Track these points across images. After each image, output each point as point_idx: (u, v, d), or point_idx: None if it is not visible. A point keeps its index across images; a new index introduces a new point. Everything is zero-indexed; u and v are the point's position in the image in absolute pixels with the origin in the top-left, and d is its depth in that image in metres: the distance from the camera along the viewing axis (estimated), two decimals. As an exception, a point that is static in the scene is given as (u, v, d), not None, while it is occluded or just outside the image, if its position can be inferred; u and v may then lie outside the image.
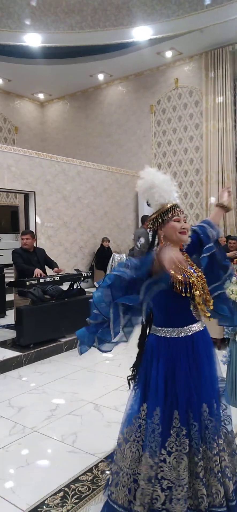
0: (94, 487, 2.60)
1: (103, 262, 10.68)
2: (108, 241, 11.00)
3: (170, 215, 2.10)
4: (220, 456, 2.04)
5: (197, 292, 2.05)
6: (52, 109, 15.40)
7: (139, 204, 12.15)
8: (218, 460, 2.02)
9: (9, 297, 6.95)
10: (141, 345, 2.24)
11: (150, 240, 2.22)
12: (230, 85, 11.05)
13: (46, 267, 6.18)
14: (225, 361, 3.84)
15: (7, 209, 13.51)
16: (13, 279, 6.11)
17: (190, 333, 2.08)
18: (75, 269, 7.61)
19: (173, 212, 2.11)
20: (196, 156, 11.88)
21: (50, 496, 2.52)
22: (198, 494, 1.97)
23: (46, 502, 2.47)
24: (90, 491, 2.56)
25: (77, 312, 5.74)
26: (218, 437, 2.06)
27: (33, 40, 10.02)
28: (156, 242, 2.19)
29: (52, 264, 6.06)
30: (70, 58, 11.44)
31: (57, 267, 6.00)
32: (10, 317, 6.73)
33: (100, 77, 13.18)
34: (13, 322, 5.97)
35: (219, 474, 2.01)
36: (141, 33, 9.98)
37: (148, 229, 2.27)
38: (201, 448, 1.99)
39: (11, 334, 5.77)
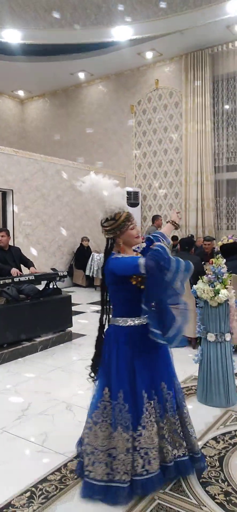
0: (62, 486, 2.58)
1: (83, 261, 10.65)
2: (88, 240, 10.98)
3: (126, 225, 2.46)
4: (183, 419, 2.55)
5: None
6: (32, 107, 15.26)
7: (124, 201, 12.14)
8: (180, 423, 2.53)
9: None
10: (100, 336, 2.59)
11: (108, 247, 2.52)
12: (209, 87, 11.19)
13: (22, 266, 6.11)
14: (196, 360, 3.88)
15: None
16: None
17: (145, 322, 2.40)
18: (51, 268, 7.56)
19: (128, 221, 2.47)
20: (175, 157, 11.98)
21: (17, 497, 2.49)
22: (164, 450, 2.46)
23: (12, 502, 2.44)
24: (57, 491, 2.54)
25: (53, 311, 5.73)
26: (179, 406, 2.55)
27: (12, 36, 9.90)
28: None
29: (28, 263, 5.99)
30: (51, 55, 11.36)
31: (33, 266, 5.94)
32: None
33: (81, 75, 13.14)
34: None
35: (181, 433, 2.53)
36: (121, 33, 9.99)
37: (107, 236, 2.53)
38: (164, 415, 2.47)
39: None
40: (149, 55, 11.68)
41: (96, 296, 8.71)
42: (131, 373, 2.40)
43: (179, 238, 10.96)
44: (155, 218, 9.39)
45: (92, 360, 2.62)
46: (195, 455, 2.55)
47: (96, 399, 2.48)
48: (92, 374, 2.60)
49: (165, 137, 12.15)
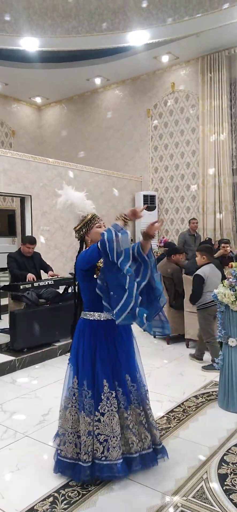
0: (84, 492, 2.59)
1: (99, 265, 10.66)
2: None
3: (92, 224, 2.79)
4: (146, 411, 2.76)
5: None
6: (50, 113, 15.42)
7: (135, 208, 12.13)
8: (144, 415, 2.75)
9: (4, 301, 6.94)
10: (72, 328, 2.89)
11: (80, 246, 2.83)
12: (226, 89, 11.08)
13: (41, 271, 6.16)
14: (217, 366, 3.83)
15: (4, 212, 13.50)
16: (7, 283, 6.09)
17: (110, 317, 2.62)
18: (70, 273, 7.59)
19: (94, 220, 2.81)
20: (192, 160, 11.90)
21: (39, 502, 2.50)
22: (129, 441, 2.66)
23: (35, 507, 2.46)
24: (80, 496, 2.55)
25: (72, 316, 5.75)
26: (143, 398, 2.76)
27: (30, 44, 10.03)
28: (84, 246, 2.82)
29: (47, 269, 6.04)
30: (67, 62, 11.45)
31: (52, 271, 5.99)
32: (4, 321, 6.72)
33: (97, 81, 13.20)
34: (8, 326, 5.96)
35: (146, 424, 2.74)
36: (137, 37, 10.00)
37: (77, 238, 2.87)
38: (129, 406, 2.68)
39: (5, 338, 5.75)
40: (165, 58, 11.65)
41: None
42: (94, 363, 2.64)
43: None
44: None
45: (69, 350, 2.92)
46: (157, 446, 2.79)
47: (67, 386, 2.76)
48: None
49: (182, 140, 12.10)
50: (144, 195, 11.98)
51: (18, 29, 9.36)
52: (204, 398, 4.01)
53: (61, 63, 11.52)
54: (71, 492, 2.58)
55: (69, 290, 6.04)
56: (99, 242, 2.52)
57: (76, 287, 2.91)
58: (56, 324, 5.49)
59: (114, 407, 2.61)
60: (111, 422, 2.59)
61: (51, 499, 2.53)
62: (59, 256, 10.18)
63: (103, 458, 2.58)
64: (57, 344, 5.50)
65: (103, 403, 2.60)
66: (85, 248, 2.80)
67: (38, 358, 5.14)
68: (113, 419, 2.60)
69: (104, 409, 2.60)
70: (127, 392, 2.69)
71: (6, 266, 6.19)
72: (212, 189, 11.23)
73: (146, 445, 2.73)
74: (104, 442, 2.59)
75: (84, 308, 2.78)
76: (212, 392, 4.14)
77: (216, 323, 4.13)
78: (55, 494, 2.57)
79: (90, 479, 2.61)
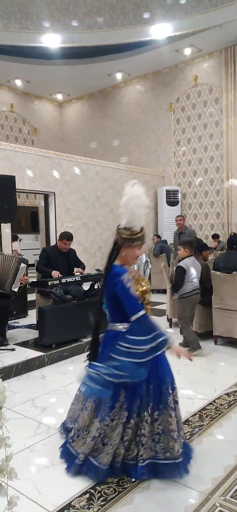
0: (120, 489, 2.57)
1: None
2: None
3: (137, 242, 2.65)
4: (144, 427, 2.63)
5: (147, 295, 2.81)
6: (71, 110, 15.47)
7: (158, 203, 12.08)
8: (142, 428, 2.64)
9: (31, 297, 7.01)
10: (97, 337, 2.84)
11: (114, 252, 2.69)
12: (250, 80, 10.87)
13: None
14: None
15: (27, 209, 13.65)
16: (35, 279, 6.14)
17: None
18: (96, 269, 7.60)
19: (140, 241, 2.66)
20: (216, 153, 11.73)
21: (76, 498, 2.50)
22: (116, 452, 2.64)
23: (72, 503, 2.45)
24: (116, 494, 2.52)
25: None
26: (149, 409, 2.65)
27: (52, 41, 10.06)
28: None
29: (80, 266, 6.05)
30: (88, 58, 11.46)
31: (83, 269, 5.99)
32: (31, 317, 6.78)
33: (119, 76, 13.16)
34: (35, 322, 6.01)
35: (137, 438, 2.64)
36: (160, 30, 9.90)
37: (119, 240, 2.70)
38: (132, 420, 2.63)
39: (33, 334, 5.80)
40: (188, 51, 11.51)
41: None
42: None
43: (220, 237, 10.77)
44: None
45: (89, 357, 2.85)
46: (139, 463, 2.65)
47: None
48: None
49: (205, 134, 11.93)
50: (167, 190, 11.89)
51: (40, 26, 9.41)
52: (236, 396, 3.94)
53: (82, 59, 11.54)
54: (107, 489, 2.57)
55: (96, 286, 6.04)
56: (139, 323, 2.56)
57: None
58: (84, 320, 5.50)
59: (122, 418, 2.62)
60: (114, 431, 2.61)
61: (87, 495, 2.52)
62: (83, 252, 10.21)
63: (96, 457, 2.65)
64: (85, 340, 5.50)
65: (115, 411, 2.61)
66: (120, 261, 2.69)
67: (67, 354, 5.15)
68: (116, 429, 2.61)
69: (115, 415, 2.62)
70: (141, 406, 2.65)
71: (30, 262, 6.22)
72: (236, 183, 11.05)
73: (130, 457, 2.68)
74: (103, 446, 2.68)
75: (115, 320, 2.73)
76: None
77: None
78: (91, 491, 2.56)
79: (78, 473, 2.69)
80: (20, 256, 5.98)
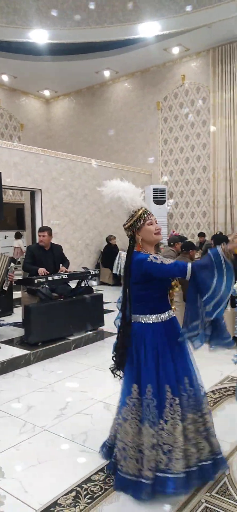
0: (106, 487, 2.57)
1: (110, 260, 10.65)
2: (115, 238, 10.97)
3: (142, 220, 2.51)
4: (204, 419, 2.49)
5: (174, 282, 2.55)
6: (58, 106, 15.37)
7: (145, 202, 12.08)
8: (203, 422, 2.48)
9: (16, 295, 6.95)
10: (126, 333, 2.55)
11: (131, 244, 2.56)
12: (237, 81, 10.97)
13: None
14: (235, 360, 3.80)
15: (12, 206, 13.52)
16: (20, 277, 6.09)
17: (168, 318, 2.53)
18: (83, 267, 7.58)
19: (145, 217, 2.52)
20: (203, 153, 11.81)
21: (62, 496, 2.49)
22: (187, 452, 2.41)
23: (58, 501, 2.44)
24: (102, 491, 2.52)
25: (85, 310, 5.75)
26: (201, 403, 2.51)
27: (39, 36, 9.98)
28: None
29: (64, 264, 6.01)
30: (76, 54, 11.40)
31: (67, 267, 5.96)
32: (17, 315, 6.73)
33: (106, 73, 13.13)
34: (21, 320, 5.97)
35: (204, 433, 2.48)
36: (148, 29, 9.91)
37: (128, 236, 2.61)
38: (188, 414, 2.43)
39: (18, 332, 5.76)
40: (175, 50, 11.56)
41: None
42: (157, 368, 2.44)
43: (205, 236, 10.86)
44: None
45: (117, 357, 2.60)
46: (216, 456, 2.52)
47: (125, 396, 2.52)
48: (118, 372, 2.62)
49: (192, 133, 12.00)
50: (154, 189, 11.93)
51: (28, 21, 9.32)
52: (222, 393, 3.98)
53: (70, 56, 11.49)
54: (94, 487, 2.57)
55: (82, 284, 6.02)
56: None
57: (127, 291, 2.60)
58: (70, 318, 5.48)
59: (178, 414, 2.40)
60: (175, 431, 2.38)
61: (74, 493, 2.51)
62: (69, 249, 10.17)
63: (167, 471, 2.36)
64: (71, 338, 5.49)
65: (167, 410, 2.40)
66: (136, 248, 2.54)
67: (53, 352, 5.13)
68: (176, 428, 2.39)
69: (167, 416, 2.40)
70: (188, 398, 2.47)
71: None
72: (223, 182, 11.15)
73: (204, 457, 2.47)
74: (168, 453, 2.37)
75: (140, 311, 2.54)
76: (229, 387, 4.10)
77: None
78: (78, 489, 2.55)
79: (152, 496, 2.36)
80: (8, 255, 5.95)
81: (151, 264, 2.43)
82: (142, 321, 2.53)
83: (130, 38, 10.10)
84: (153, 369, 2.43)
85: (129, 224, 2.55)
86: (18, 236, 12.77)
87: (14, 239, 12.66)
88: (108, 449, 2.76)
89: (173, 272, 2.44)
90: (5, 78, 13.22)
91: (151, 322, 2.50)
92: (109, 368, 2.66)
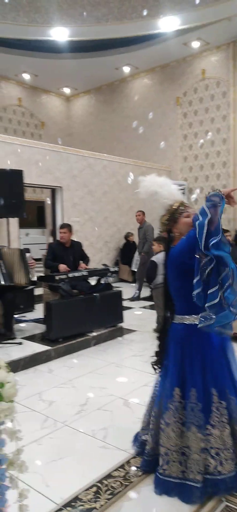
0: (126, 483, 2.59)
1: (128, 257, 10.66)
2: (133, 235, 10.96)
3: (179, 213, 2.47)
4: None
5: None
6: (78, 104, 15.44)
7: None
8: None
9: (37, 291, 7.06)
10: (165, 333, 2.55)
11: (168, 240, 2.54)
12: (259, 75, 10.78)
13: None
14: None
15: (33, 204, 13.67)
16: (42, 274, 6.18)
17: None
18: (103, 264, 7.63)
19: (182, 209, 2.48)
20: (223, 148, 11.66)
21: (83, 491, 2.53)
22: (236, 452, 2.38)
23: (79, 496, 2.49)
24: (123, 488, 2.55)
25: (105, 307, 5.79)
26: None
27: (60, 34, 10.04)
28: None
29: (84, 260, 6.09)
30: (96, 51, 11.42)
31: (87, 264, 6.02)
32: (38, 311, 6.83)
33: (126, 69, 13.09)
34: (42, 316, 6.06)
35: None
36: (168, 23, 9.83)
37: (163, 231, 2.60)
38: (235, 416, 2.38)
39: (39, 328, 5.84)
40: (195, 44, 11.42)
41: (142, 291, 8.69)
42: (202, 371, 2.39)
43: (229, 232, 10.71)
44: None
45: (157, 356, 2.62)
46: None
47: (167, 400, 2.47)
48: (158, 370, 2.62)
49: (212, 128, 11.86)
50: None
51: (48, 19, 9.39)
52: None
53: (90, 53, 11.50)
54: (114, 483, 2.60)
55: (102, 281, 6.06)
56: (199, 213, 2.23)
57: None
58: (90, 315, 5.53)
59: (225, 418, 2.37)
60: (223, 435, 2.36)
61: (94, 489, 2.55)
62: (89, 247, 10.22)
63: (216, 473, 2.34)
64: (91, 334, 5.54)
65: (214, 414, 2.36)
66: (174, 244, 2.49)
67: (73, 348, 5.19)
68: (224, 431, 2.36)
69: (215, 420, 2.36)
70: (234, 401, 2.43)
71: (37, 257, 6.28)
72: (244, 178, 10.99)
73: None
74: (217, 456, 2.35)
75: (183, 312, 2.48)
76: None
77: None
78: (98, 484, 2.59)
79: (202, 498, 2.34)
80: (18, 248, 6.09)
81: (174, 249, 2.44)
82: (187, 322, 2.46)
83: (149, 33, 10.05)
84: (198, 373, 2.38)
85: (165, 217, 2.51)
86: (52, 233, 12.83)
87: (49, 235, 12.74)
88: (141, 443, 2.75)
89: (189, 239, 2.31)
90: (26, 76, 13.36)
91: (195, 323, 2.37)
92: (151, 363, 2.66)
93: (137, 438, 2.85)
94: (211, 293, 2.17)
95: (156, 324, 5.87)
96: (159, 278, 5.60)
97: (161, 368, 2.60)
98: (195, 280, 2.24)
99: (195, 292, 2.23)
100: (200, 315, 2.25)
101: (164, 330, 2.61)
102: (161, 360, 2.58)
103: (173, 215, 2.48)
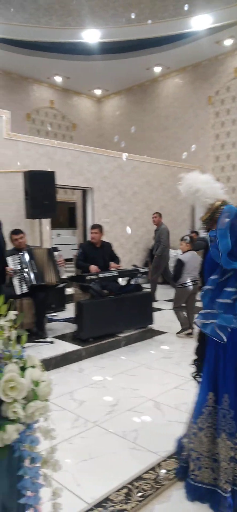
0: (157, 486, 2.57)
1: (159, 257, 10.57)
2: (162, 236, 10.87)
3: (219, 213, 2.33)
4: None
5: None
6: (109, 105, 15.51)
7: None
8: None
9: (68, 291, 7.14)
10: (202, 338, 2.46)
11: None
12: None
13: None
14: None
15: (65, 205, 13.84)
16: (73, 274, 6.24)
17: None
18: (132, 265, 7.62)
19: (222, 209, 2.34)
20: (256, 147, 11.39)
21: (114, 492, 2.53)
22: None
23: (110, 497, 2.48)
24: (154, 490, 2.53)
25: (135, 308, 5.77)
26: None
27: (92, 36, 10.12)
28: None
29: (114, 260, 6.10)
30: (127, 52, 11.44)
31: (117, 263, 6.04)
32: (69, 310, 6.90)
33: (157, 69, 13.04)
34: (72, 316, 6.11)
35: None
36: (200, 22, 9.71)
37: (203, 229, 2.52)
38: None
39: (70, 328, 5.90)
40: (228, 42, 11.22)
41: (172, 293, 8.60)
42: (236, 377, 2.30)
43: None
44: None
45: (196, 365, 2.58)
46: None
47: (200, 404, 2.42)
48: (198, 377, 2.56)
49: (245, 127, 11.61)
50: (205, 185, 11.65)
51: (81, 21, 9.48)
52: None
53: (121, 54, 11.54)
54: (145, 485, 2.58)
55: (132, 282, 6.05)
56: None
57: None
58: (120, 316, 5.54)
59: None
60: None
61: (125, 490, 2.54)
62: (119, 247, 10.24)
63: None
64: (121, 335, 5.54)
65: None
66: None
67: (104, 348, 5.20)
68: None
69: None
70: None
71: (68, 257, 6.35)
72: None
73: None
74: None
75: None
76: None
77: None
78: (129, 486, 2.58)
79: (231, 510, 2.24)
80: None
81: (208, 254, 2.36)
82: None
83: (181, 32, 9.96)
84: (231, 378, 2.29)
85: (206, 217, 2.42)
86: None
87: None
88: (180, 447, 2.67)
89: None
90: (58, 79, 13.56)
91: (233, 327, 2.26)
92: (191, 374, 2.61)
93: (179, 441, 2.76)
94: (228, 292, 2.19)
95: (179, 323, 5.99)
96: (184, 278, 5.79)
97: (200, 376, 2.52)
98: (212, 277, 2.25)
99: (206, 287, 2.25)
100: (199, 312, 2.29)
101: (202, 338, 2.51)
102: (200, 368, 2.51)
103: (213, 214, 2.37)
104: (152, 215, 9.10)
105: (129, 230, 10.15)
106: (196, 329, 2.65)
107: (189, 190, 2.41)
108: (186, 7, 8.86)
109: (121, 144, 11.92)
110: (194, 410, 2.48)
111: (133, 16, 9.17)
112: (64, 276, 5.65)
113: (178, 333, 5.91)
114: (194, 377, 2.57)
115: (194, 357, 2.61)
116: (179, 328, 5.95)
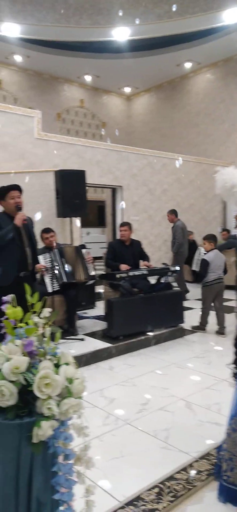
0: (189, 487, 2.54)
1: (189, 256, 10.45)
2: (193, 233, 10.74)
3: None
4: None
5: None
6: (138, 102, 15.47)
7: (227, 196, 11.66)
8: None
9: (98, 289, 7.18)
10: None
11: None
12: None
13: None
14: None
15: (94, 204, 13.93)
16: (102, 272, 6.27)
17: None
18: (162, 263, 7.58)
19: None
20: None
21: (145, 491, 2.52)
22: None
23: (141, 496, 2.48)
24: (186, 491, 2.51)
25: (165, 306, 5.73)
26: None
27: (121, 34, 10.11)
28: None
29: (144, 258, 6.10)
30: (156, 49, 11.36)
31: (147, 261, 6.03)
32: (98, 308, 6.94)
33: (188, 65, 12.88)
34: (102, 314, 6.15)
35: None
36: (232, 15, 9.50)
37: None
38: None
39: (100, 325, 5.94)
40: None
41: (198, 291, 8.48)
42: None
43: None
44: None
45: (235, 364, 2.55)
46: None
47: (236, 405, 2.39)
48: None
49: None
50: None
51: (110, 20, 9.49)
52: None
53: (150, 51, 11.46)
54: (177, 485, 2.56)
55: (162, 280, 6.01)
56: None
57: None
58: (150, 314, 5.51)
59: None
60: None
61: (156, 490, 2.53)
62: (148, 245, 10.19)
63: None
64: (151, 333, 5.52)
65: None
66: None
67: (134, 346, 5.20)
68: None
69: None
70: None
71: (98, 255, 6.38)
72: None
73: None
74: None
75: None
76: None
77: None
78: (161, 486, 2.56)
79: None
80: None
81: None
82: None
83: (212, 27, 9.79)
84: None
85: None
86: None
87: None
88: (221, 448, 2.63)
89: None
90: (88, 78, 13.65)
91: None
92: (231, 373, 2.58)
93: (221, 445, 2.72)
94: None
95: (199, 321, 6.06)
96: (209, 276, 5.85)
97: None
98: None
99: None
100: None
101: None
102: None
103: None
104: (180, 213, 9.01)
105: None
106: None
107: (224, 185, 2.39)
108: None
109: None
110: (230, 411, 2.45)
111: (168, 11, 9.07)
112: (93, 273, 5.68)
113: (193, 327, 6.09)
114: (235, 376, 2.53)
115: (234, 356, 2.58)
116: (215, 327, 5.98)
